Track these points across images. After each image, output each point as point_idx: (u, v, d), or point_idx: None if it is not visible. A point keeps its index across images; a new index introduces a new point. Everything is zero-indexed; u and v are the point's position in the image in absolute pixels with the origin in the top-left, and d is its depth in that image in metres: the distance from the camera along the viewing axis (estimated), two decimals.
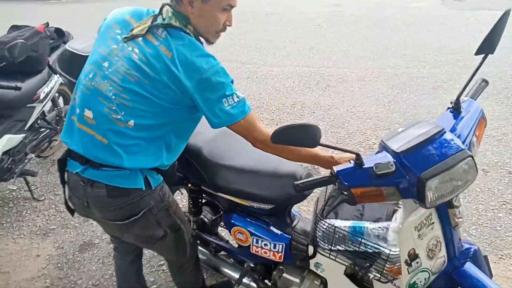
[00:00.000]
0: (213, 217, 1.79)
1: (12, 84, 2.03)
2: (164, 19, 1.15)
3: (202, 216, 1.78)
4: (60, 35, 2.76)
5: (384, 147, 1.12)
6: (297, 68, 4.99)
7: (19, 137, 2.39)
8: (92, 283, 1.98)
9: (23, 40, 1.98)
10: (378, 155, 1.14)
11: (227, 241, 1.84)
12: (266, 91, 4.31)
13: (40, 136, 2.63)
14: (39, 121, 2.59)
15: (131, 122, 1.15)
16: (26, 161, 2.50)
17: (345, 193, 1.09)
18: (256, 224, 1.59)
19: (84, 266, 2.08)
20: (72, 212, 1.35)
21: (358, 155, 1.06)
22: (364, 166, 1.07)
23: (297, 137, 1.01)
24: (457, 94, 1.19)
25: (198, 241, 1.83)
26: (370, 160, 1.09)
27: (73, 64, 1.58)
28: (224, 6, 1.15)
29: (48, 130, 2.69)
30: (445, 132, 1.07)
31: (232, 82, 1.17)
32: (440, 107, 3.78)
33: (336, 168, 1.09)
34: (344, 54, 5.50)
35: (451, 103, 1.23)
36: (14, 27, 2.62)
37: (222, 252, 1.86)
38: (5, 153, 2.35)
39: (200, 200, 1.73)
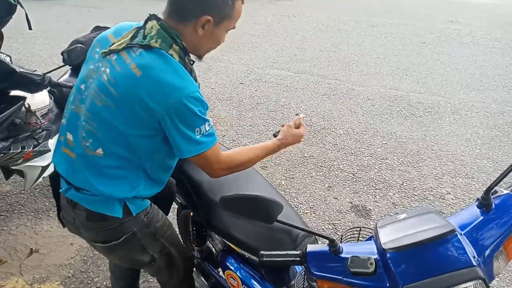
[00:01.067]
0: (222, 249, 1.69)
1: (70, 84, 2.19)
2: (144, 37, 1.05)
3: (209, 244, 1.69)
4: None
5: (374, 235, 0.90)
6: (382, 90, 4.56)
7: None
8: (106, 284, 2.04)
9: (82, 45, 2.11)
10: (363, 243, 0.91)
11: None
12: (339, 112, 4.02)
13: None
14: None
15: (99, 151, 1.09)
16: None
17: (310, 282, 0.90)
18: (250, 274, 1.44)
19: (105, 265, 2.15)
20: (63, 225, 1.36)
21: (333, 241, 0.86)
22: (340, 255, 0.87)
23: (250, 210, 0.86)
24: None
25: (200, 271, 1.74)
26: (351, 249, 0.88)
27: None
28: (230, 28, 1.13)
29: None
30: (456, 235, 0.80)
31: (207, 109, 1.08)
32: None
33: (308, 248, 0.91)
34: (443, 80, 4.87)
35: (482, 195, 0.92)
36: (97, 28, 2.84)
37: None
38: None
39: (204, 229, 1.64)
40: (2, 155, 1.99)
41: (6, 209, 2.52)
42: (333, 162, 3.13)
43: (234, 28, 1.14)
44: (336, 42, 6.35)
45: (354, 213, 2.56)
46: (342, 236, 1.26)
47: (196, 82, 1.10)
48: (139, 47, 1.03)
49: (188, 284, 1.57)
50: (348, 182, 2.89)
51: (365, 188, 2.82)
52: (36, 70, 2.02)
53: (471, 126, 3.76)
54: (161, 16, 1.09)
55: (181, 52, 1.07)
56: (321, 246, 0.91)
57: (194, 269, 1.75)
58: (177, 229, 1.69)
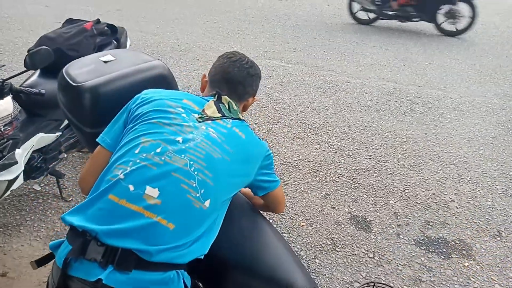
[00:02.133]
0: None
1: (35, 90, 1.93)
2: (229, 109, 1.19)
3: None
4: (113, 31, 2.63)
5: None
6: (380, 83, 4.34)
7: (52, 136, 2.32)
8: None
9: (46, 47, 1.84)
10: None
11: None
12: (335, 107, 3.80)
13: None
14: None
15: (207, 202, 1.01)
16: (58, 160, 2.45)
17: None
18: None
19: None
20: None
21: None
22: None
23: None
24: None
25: None
26: None
27: (65, 92, 1.36)
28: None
29: None
30: None
31: None
32: None
33: None
34: (443, 71, 4.67)
35: None
36: (69, 21, 2.54)
37: None
38: (37, 151, 2.30)
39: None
40: None
41: None
42: (329, 165, 2.93)
43: None
44: (330, 29, 6.08)
45: (353, 226, 2.37)
46: None
47: None
48: (231, 118, 1.16)
49: None
50: (346, 188, 2.69)
51: (364, 195, 2.64)
52: (4, 66, 1.75)
53: (473, 123, 3.59)
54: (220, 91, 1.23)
55: None
56: None
57: None
58: None
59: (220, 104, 1.17)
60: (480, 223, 2.42)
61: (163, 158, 1.00)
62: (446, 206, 2.57)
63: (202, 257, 1.04)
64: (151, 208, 0.94)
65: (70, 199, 2.56)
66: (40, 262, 1.06)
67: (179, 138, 1.05)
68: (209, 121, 1.12)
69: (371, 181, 2.78)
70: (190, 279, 1.10)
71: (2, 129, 1.92)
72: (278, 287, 1.09)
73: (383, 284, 1.01)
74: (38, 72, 2.27)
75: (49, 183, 2.67)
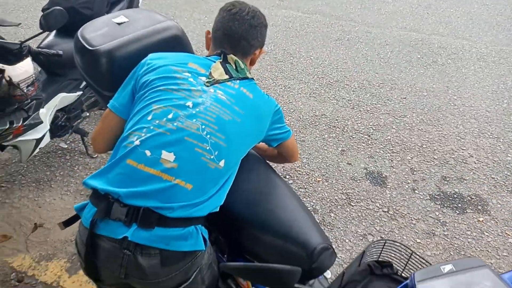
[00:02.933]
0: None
1: (53, 51, 1.94)
2: (236, 69, 1.17)
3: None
4: None
5: None
6: (402, 33, 4.17)
7: (73, 95, 2.37)
8: None
9: (60, 8, 1.82)
10: None
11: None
12: (353, 60, 3.70)
13: None
14: None
15: (222, 162, 1.05)
16: (81, 119, 2.52)
17: None
18: None
19: None
20: (98, 284, 1.15)
21: None
22: None
23: (263, 278, 0.72)
24: None
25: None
26: None
27: (82, 56, 1.37)
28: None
29: None
30: None
31: None
32: None
33: None
34: (469, 19, 4.42)
35: None
36: None
37: None
38: (60, 110, 2.37)
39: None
40: None
41: (6, 179, 2.42)
42: (347, 121, 2.92)
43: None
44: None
45: (369, 181, 2.42)
46: (364, 251, 1.12)
47: None
48: (239, 79, 1.15)
49: None
50: (363, 144, 2.71)
51: (381, 151, 2.65)
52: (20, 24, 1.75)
53: (498, 75, 3.46)
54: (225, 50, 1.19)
55: None
56: None
57: None
58: None
59: (226, 65, 1.15)
60: (498, 179, 2.42)
61: (175, 124, 1.03)
62: (464, 161, 2.56)
63: (218, 209, 1.10)
64: (169, 171, 0.98)
65: (96, 155, 2.67)
66: (67, 223, 1.13)
67: (189, 103, 1.06)
68: (217, 84, 1.12)
69: (389, 137, 2.77)
70: (211, 233, 1.19)
71: (25, 90, 1.98)
72: (293, 243, 1.12)
73: (394, 241, 1.06)
74: (53, 32, 2.28)
75: (74, 140, 2.78)
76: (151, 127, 1.03)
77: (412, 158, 2.59)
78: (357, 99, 3.17)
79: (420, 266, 1.03)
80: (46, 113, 2.21)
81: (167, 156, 1.00)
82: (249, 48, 1.19)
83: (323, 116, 2.98)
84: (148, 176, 0.98)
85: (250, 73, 1.22)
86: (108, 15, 1.44)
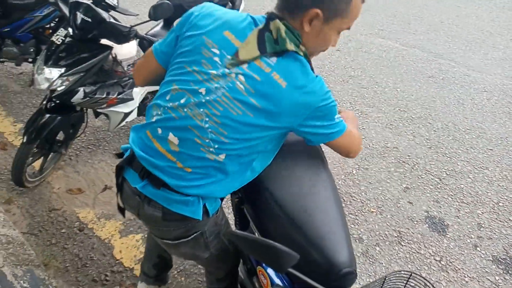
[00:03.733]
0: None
1: (156, 39, 2.20)
2: (275, 40, 0.98)
3: (252, 228, 1.64)
4: None
5: None
6: (506, 81, 3.84)
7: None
8: None
9: (168, 2, 2.07)
10: None
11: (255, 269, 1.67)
12: (443, 100, 3.50)
13: None
14: None
15: (222, 156, 1.04)
16: None
17: None
18: (281, 278, 1.35)
19: None
20: (123, 214, 1.33)
21: None
22: None
23: (259, 253, 0.76)
24: None
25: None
26: None
27: None
28: (342, 29, 1.03)
29: None
30: None
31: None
32: None
33: None
34: None
35: None
36: None
37: None
38: (150, 92, 2.66)
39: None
40: (88, 98, 2.13)
41: (93, 143, 2.77)
42: (419, 159, 2.78)
43: (348, 29, 1.03)
44: (463, 13, 5.44)
45: (427, 225, 2.27)
46: (386, 277, 1.08)
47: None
48: (275, 55, 0.97)
49: (232, 277, 1.54)
50: (431, 187, 2.55)
51: (449, 198, 2.47)
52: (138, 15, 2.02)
53: None
54: (274, 10, 1.02)
55: (306, 51, 1.02)
56: None
57: None
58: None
59: (266, 34, 0.98)
60: None
61: (185, 110, 1.03)
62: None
63: (233, 190, 1.15)
64: (172, 152, 1.06)
65: None
66: (119, 156, 1.27)
67: (203, 90, 1.01)
68: (243, 65, 0.98)
69: (462, 185, 2.58)
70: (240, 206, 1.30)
71: (125, 69, 2.27)
72: (320, 255, 1.10)
73: (422, 277, 1.01)
74: (161, 23, 2.57)
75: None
76: (166, 108, 1.06)
77: (483, 213, 2.38)
78: (436, 139, 3.00)
79: None
80: (138, 93, 2.50)
81: (173, 138, 1.06)
82: (294, 4, 0.97)
83: (394, 149, 2.88)
84: (157, 150, 1.08)
85: (300, 42, 0.99)
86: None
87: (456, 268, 2.03)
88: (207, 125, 1.01)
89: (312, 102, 0.98)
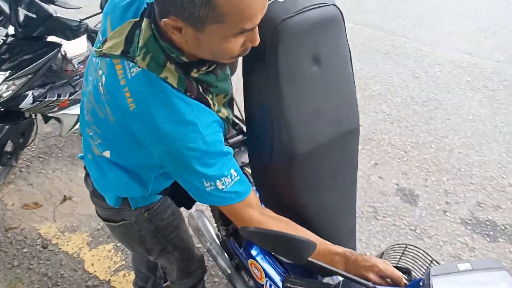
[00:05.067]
0: None
1: None
2: (138, 45, 0.74)
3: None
4: None
5: (425, 284, 0.73)
6: (454, 54, 4.01)
7: None
8: None
9: None
10: None
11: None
12: (399, 76, 3.60)
13: None
14: None
15: (107, 153, 0.94)
16: None
17: None
18: (275, 267, 1.33)
19: None
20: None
21: None
22: None
23: (277, 247, 0.72)
24: None
25: (224, 249, 1.66)
26: None
27: None
28: (235, 33, 0.69)
29: None
30: None
31: (226, 155, 0.81)
32: None
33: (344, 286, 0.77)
34: None
35: None
36: None
37: None
38: None
39: None
40: (38, 102, 1.96)
41: (45, 151, 2.57)
42: (384, 135, 2.85)
43: (251, 30, 0.70)
44: None
45: (399, 197, 2.33)
46: (383, 252, 1.08)
47: (224, 94, 0.85)
48: (134, 61, 0.75)
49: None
50: (398, 160, 2.62)
51: (416, 169, 2.55)
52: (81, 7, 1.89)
53: None
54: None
55: (179, 70, 0.75)
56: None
57: (220, 244, 1.68)
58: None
59: (136, 31, 0.75)
60: None
61: (84, 87, 0.95)
62: (503, 190, 2.41)
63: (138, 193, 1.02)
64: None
65: None
66: None
67: (88, 77, 0.91)
68: (106, 60, 0.80)
69: (426, 156, 2.67)
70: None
71: (76, 67, 2.11)
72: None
73: (416, 247, 1.01)
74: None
75: None
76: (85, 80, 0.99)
77: (448, 180, 2.48)
78: (398, 114, 3.08)
79: None
80: None
81: (88, 117, 0.99)
82: (158, 7, 0.69)
83: (360, 127, 2.92)
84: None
85: (173, 58, 0.75)
86: None
87: (430, 235, 2.10)
88: (86, 118, 0.93)
89: (165, 144, 0.78)
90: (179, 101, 0.76)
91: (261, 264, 1.33)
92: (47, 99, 1.99)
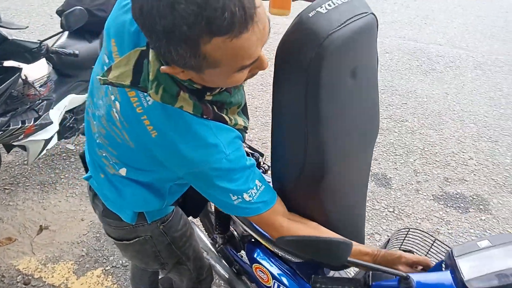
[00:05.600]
0: (244, 233, 1.60)
1: (70, 51, 1.97)
2: (148, 75, 0.72)
3: (231, 229, 1.60)
4: None
5: (450, 265, 0.77)
6: (401, 41, 4.26)
7: (83, 97, 2.40)
8: (122, 263, 1.99)
9: (81, 7, 1.86)
10: (437, 275, 0.80)
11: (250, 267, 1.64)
12: None
13: None
14: None
15: (123, 171, 0.92)
16: None
17: None
18: (281, 268, 1.35)
19: None
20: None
21: (406, 278, 0.74)
22: None
23: (316, 252, 0.74)
24: None
25: (223, 256, 1.67)
26: (424, 284, 0.76)
27: None
28: (237, 69, 0.67)
29: None
30: None
31: (249, 168, 0.82)
32: None
33: (373, 279, 0.80)
34: (465, 30, 4.54)
35: None
36: None
37: None
38: (69, 111, 2.39)
39: (229, 217, 1.54)
40: (2, 132, 1.84)
41: (10, 182, 2.42)
42: None
43: (253, 63, 0.67)
44: None
45: (374, 182, 2.45)
46: (388, 240, 1.15)
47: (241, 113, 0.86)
48: (145, 91, 0.74)
49: None
50: None
51: (384, 154, 2.69)
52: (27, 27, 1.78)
53: (495, 82, 3.54)
54: None
55: (193, 98, 0.75)
56: (389, 279, 0.79)
57: (217, 253, 1.68)
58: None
59: (144, 61, 0.73)
60: (498, 180, 2.47)
61: (88, 109, 0.96)
62: (465, 163, 2.62)
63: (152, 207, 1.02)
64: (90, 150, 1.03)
65: None
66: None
67: (95, 99, 0.90)
68: (115, 89, 0.79)
69: (391, 140, 2.82)
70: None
71: (38, 91, 2.00)
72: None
73: (417, 229, 1.08)
74: (66, 33, 2.31)
75: (79, 143, 2.79)
76: (88, 101, 0.99)
77: (415, 160, 2.64)
78: None
79: (441, 254, 1.06)
80: (56, 114, 2.23)
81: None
82: (156, 47, 0.63)
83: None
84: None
85: (182, 90, 0.74)
86: None
87: (408, 214, 2.23)
88: (98, 140, 0.92)
89: (191, 167, 0.79)
90: (198, 126, 0.76)
91: (267, 267, 1.36)
92: (10, 127, 1.87)
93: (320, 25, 0.71)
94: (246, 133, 0.89)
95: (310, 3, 0.75)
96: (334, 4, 0.74)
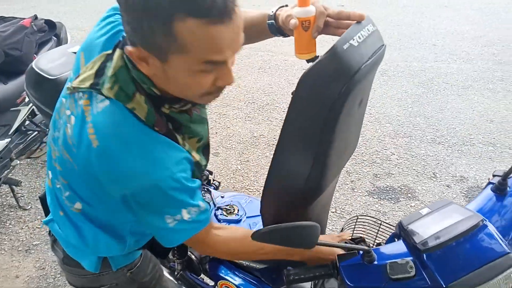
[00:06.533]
0: (201, 256, 1.59)
1: None
2: (108, 76, 0.72)
3: (189, 253, 1.58)
4: (51, 27, 2.52)
5: (402, 235, 0.88)
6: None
7: (2, 143, 2.21)
8: None
9: None
10: (392, 245, 0.89)
11: (215, 286, 1.63)
12: (277, 85, 4.00)
13: (28, 139, 2.45)
14: (26, 124, 2.40)
15: (78, 205, 0.87)
16: (10, 168, 2.33)
17: None
18: (246, 279, 1.38)
19: None
20: None
21: (368, 251, 0.83)
22: (375, 262, 0.84)
23: (288, 239, 0.79)
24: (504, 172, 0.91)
25: (184, 283, 1.63)
26: (383, 254, 0.85)
27: (39, 87, 1.35)
28: (201, 67, 0.66)
29: (36, 133, 2.50)
30: (485, 225, 0.81)
31: (194, 190, 0.80)
32: (469, 112, 3.41)
33: (340, 260, 0.87)
34: None
35: (493, 176, 0.94)
36: (0, 19, 2.39)
37: None
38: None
39: None
40: None
41: None
42: None
43: (217, 62, 0.66)
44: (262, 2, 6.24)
45: None
46: (342, 228, 1.24)
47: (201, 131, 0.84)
48: (102, 93, 0.72)
49: None
50: None
51: None
52: None
53: (400, 85, 4.00)
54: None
55: (149, 103, 0.73)
56: (351, 255, 0.87)
57: (176, 281, 1.64)
58: None
59: (107, 63, 0.74)
60: (418, 169, 2.78)
61: (50, 138, 0.92)
62: (388, 159, 2.90)
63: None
64: (50, 189, 0.99)
65: (29, 207, 2.46)
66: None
67: (59, 119, 0.85)
68: (74, 98, 0.77)
69: None
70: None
71: None
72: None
73: (364, 215, 1.20)
74: None
75: (1, 194, 2.54)
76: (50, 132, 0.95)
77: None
78: None
79: (388, 232, 1.18)
80: (2, 145, 2.03)
81: (50, 174, 0.96)
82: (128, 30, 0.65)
83: (261, 136, 3.15)
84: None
85: (143, 89, 0.73)
86: (62, 46, 1.45)
87: (349, 211, 2.40)
88: (55, 165, 0.87)
89: (128, 182, 0.74)
90: (146, 137, 0.72)
91: (233, 281, 1.37)
92: None
93: (353, 57, 0.72)
94: (203, 172, 0.86)
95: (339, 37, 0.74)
96: (363, 37, 0.75)
